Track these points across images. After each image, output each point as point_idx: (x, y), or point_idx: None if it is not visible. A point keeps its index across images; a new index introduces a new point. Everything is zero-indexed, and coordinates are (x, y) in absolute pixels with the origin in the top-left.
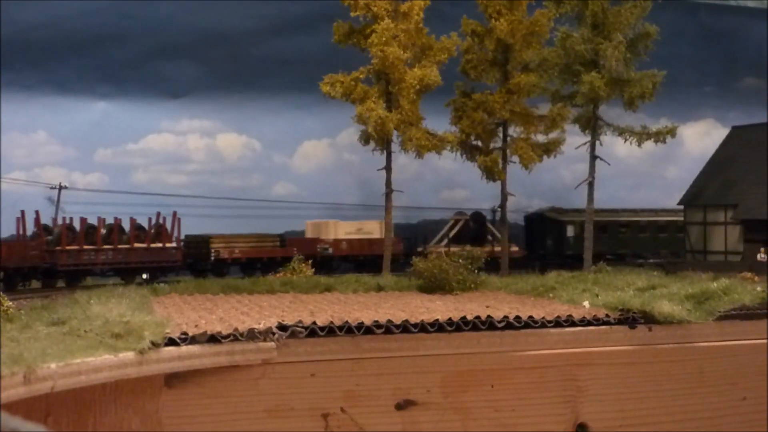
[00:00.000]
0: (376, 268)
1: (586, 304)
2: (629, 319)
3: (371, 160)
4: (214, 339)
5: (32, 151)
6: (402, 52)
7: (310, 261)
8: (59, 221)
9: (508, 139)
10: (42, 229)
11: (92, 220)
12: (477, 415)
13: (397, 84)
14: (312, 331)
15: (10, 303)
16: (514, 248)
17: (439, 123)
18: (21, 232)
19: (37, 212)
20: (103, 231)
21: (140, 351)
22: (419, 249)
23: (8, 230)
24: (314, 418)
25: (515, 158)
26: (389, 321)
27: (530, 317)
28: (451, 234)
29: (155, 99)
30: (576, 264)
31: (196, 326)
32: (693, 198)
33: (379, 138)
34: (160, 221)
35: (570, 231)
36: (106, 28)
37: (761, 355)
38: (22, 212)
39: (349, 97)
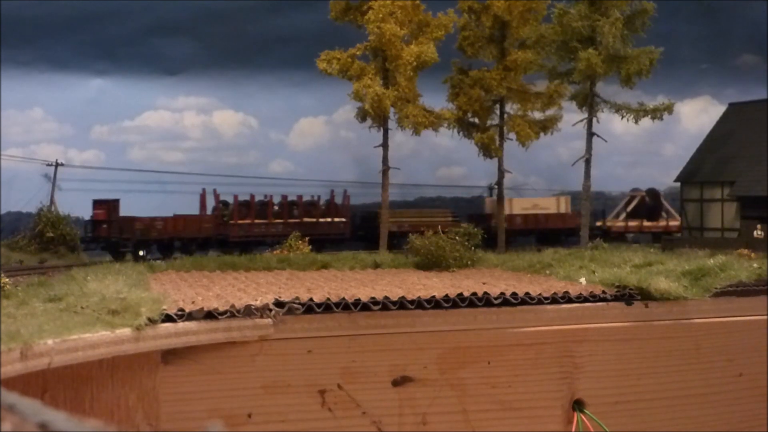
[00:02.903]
0: (549, 241)
1: (582, 280)
2: (626, 295)
3: (368, 137)
4: (210, 315)
5: (28, 128)
6: (399, 29)
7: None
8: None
9: (505, 116)
10: (220, 204)
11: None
12: (474, 392)
13: (393, 61)
14: (309, 308)
15: (7, 279)
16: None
17: (436, 100)
18: (201, 207)
19: (214, 190)
20: (276, 207)
21: (137, 327)
22: (598, 224)
23: (6, 207)
24: (311, 395)
25: (512, 135)
26: (386, 297)
27: (527, 294)
28: (628, 209)
29: (152, 76)
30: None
31: (193, 303)
32: (690, 175)
33: (375, 115)
34: (330, 198)
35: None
36: (103, 5)
37: (758, 332)
38: (204, 190)
39: (345, 74)
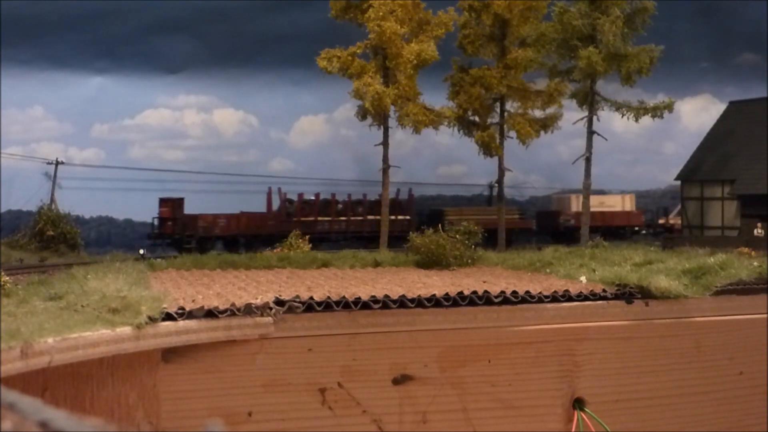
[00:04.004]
0: (615, 238)
1: (583, 279)
2: (626, 294)
3: (368, 136)
4: (211, 314)
5: (29, 126)
6: (399, 27)
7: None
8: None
9: (506, 114)
10: (285, 202)
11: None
12: (474, 390)
13: (394, 59)
14: (309, 306)
15: (8, 278)
16: None
17: (437, 98)
18: (268, 205)
19: (279, 189)
20: (339, 206)
21: (137, 326)
22: (661, 221)
23: (7, 205)
24: (311, 393)
25: (512, 134)
26: (386, 296)
27: (527, 292)
28: None
29: (152, 74)
30: None
31: (194, 301)
32: (690, 173)
33: (376, 113)
34: (395, 196)
35: None
36: (103, 3)
37: (758, 330)
38: (269, 188)
39: (346, 72)
